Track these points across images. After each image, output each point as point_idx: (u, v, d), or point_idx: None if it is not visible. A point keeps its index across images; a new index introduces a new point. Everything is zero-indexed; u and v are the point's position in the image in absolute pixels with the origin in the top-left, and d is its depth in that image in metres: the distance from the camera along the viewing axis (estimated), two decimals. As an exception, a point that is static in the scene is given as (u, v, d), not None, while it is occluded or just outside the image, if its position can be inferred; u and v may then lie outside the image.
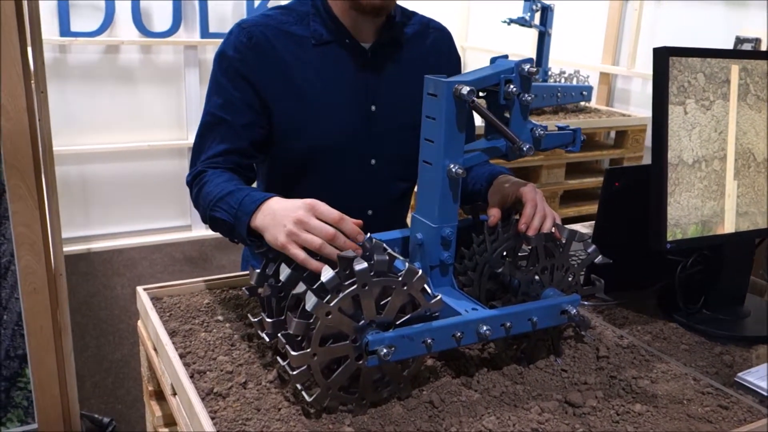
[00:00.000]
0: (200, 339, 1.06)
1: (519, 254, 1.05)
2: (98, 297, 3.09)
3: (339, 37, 1.27)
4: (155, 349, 1.10)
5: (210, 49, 3.65)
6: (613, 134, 3.37)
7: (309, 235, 0.92)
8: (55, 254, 1.71)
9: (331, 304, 0.83)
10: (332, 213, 0.93)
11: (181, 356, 1.00)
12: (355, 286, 0.84)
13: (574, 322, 0.98)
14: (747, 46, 2.73)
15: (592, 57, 3.51)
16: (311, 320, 0.83)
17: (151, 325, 1.10)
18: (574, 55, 3.58)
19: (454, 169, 0.94)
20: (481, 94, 0.99)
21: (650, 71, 1.08)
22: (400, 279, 0.87)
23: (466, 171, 0.94)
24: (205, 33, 3.58)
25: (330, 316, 0.83)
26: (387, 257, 0.87)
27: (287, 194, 1.30)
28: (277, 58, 1.24)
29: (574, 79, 3.27)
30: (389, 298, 0.87)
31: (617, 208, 1.18)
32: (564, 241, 1.02)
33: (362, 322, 0.86)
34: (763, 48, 2.75)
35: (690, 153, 1.08)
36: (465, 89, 0.90)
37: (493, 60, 1.02)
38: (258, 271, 0.98)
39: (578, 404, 0.92)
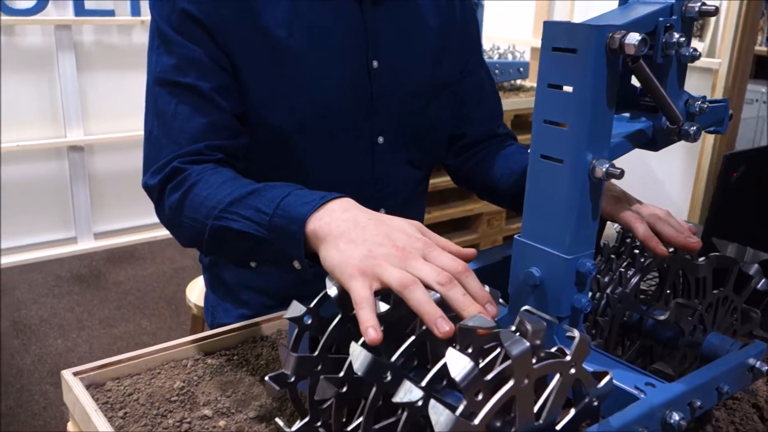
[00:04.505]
0: (187, 456, 0.66)
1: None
2: (-33, 335, 2.50)
3: None
4: (108, 478, 0.68)
5: (87, 30, 3.08)
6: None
7: (426, 265, 0.57)
8: None
9: (476, 422, 0.47)
10: (453, 245, 0.58)
11: (167, 498, 0.60)
12: (511, 384, 0.48)
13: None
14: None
15: (522, 31, 3.28)
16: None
17: (99, 439, 0.68)
18: (504, 30, 3.33)
19: (603, 169, 0.60)
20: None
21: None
22: (568, 359, 0.52)
23: (622, 172, 0.60)
24: (80, 10, 3.00)
25: (474, 441, 0.47)
26: (544, 323, 0.52)
27: None
28: None
29: (509, 55, 3.02)
30: (548, 391, 0.52)
31: (735, 203, 0.89)
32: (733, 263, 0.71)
33: (515, 437, 0.51)
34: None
35: None
36: (634, 39, 0.56)
37: (623, -2, 0.69)
38: (295, 354, 0.59)
39: None
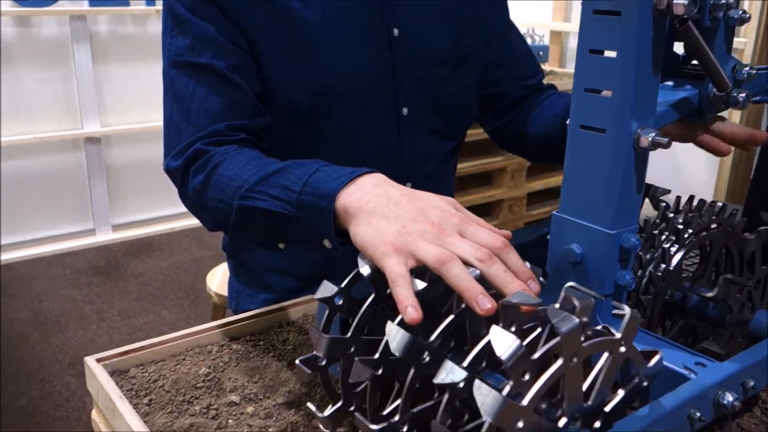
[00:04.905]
0: (215, 444, 0.64)
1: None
2: (-12, 327, 2.51)
3: None
4: (135, 466, 0.66)
5: (103, 20, 3.07)
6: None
7: (463, 241, 0.54)
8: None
9: (525, 402, 0.44)
10: (488, 224, 0.56)
11: (196, 487, 0.58)
12: (560, 363, 0.45)
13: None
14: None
15: (542, 14, 3.23)
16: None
17: (124, 426, 0.66)
18: (523, 14, 3.28)
19: (649, 138, 0.57)
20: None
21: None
22: (618, 336, 0.49)
23: (669, 141, 0.57)
24: (94, 0, 2.99)
25: (522, 425, 0.44)
26: (593, 300, 0.49)
27: None
28: None
29: (529, 39, 2.97)
30: (597, 370, 0.50)
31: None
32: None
33: (564, 420, 0.48)
34: None
35: None
36: (683, -2, 0.53)
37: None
38: (327, 336, 0.57)
39: None
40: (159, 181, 3.27)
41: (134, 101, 3.21)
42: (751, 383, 0.58)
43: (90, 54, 3.03)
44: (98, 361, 0.74)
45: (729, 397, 0.55)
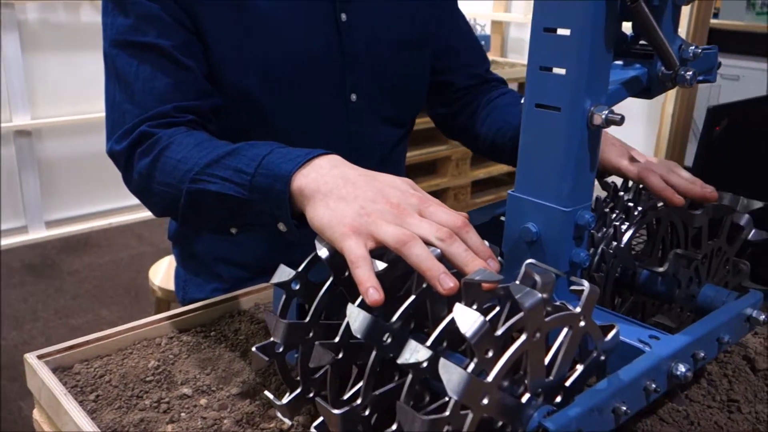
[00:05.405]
0: (168, 438, 0.61)
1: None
2: None
3: None
4: (82, 465, 0.63)
5: (32, 8, 2.93)
6: (516, 86, 3.15)
7: (423, 221, 0.54)
8: None
9: (490, 379, 0.44)
10: (446, 206, 0.56)
11: (149, 483, 0.55)
12: (524, 338, 0.45)
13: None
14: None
15: (482, 5, 3.26)
16: (449, 412, 0.44)
17: (70, 424, 0.63)
18: (464, 4, 3.31)
19: (602, 116, 0.57)
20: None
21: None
22: (578, 310, 0.49)
23: (622, 118, 0.58)
24: (22, -13, 2.86)
25: (487, 401, 0.44)
26: (554, 275, 0.49)
27: None
28: None
29: (470, 28, 3.00)
30: (557, 345, 0.50)
31: (719, 156, 0.88)
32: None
33: (526, 396, 0.48)
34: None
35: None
36: (635, -25, 0.53)
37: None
38: (285, 321, 0.55)
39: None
40: (95, 176, 3.16)
41: (67, 92, 3.08)
42: (702, 354, 0.59)
43: (19, 43, 2.89)
44: (39, 357, 0.70)
45: (682, 368, 0.56)
